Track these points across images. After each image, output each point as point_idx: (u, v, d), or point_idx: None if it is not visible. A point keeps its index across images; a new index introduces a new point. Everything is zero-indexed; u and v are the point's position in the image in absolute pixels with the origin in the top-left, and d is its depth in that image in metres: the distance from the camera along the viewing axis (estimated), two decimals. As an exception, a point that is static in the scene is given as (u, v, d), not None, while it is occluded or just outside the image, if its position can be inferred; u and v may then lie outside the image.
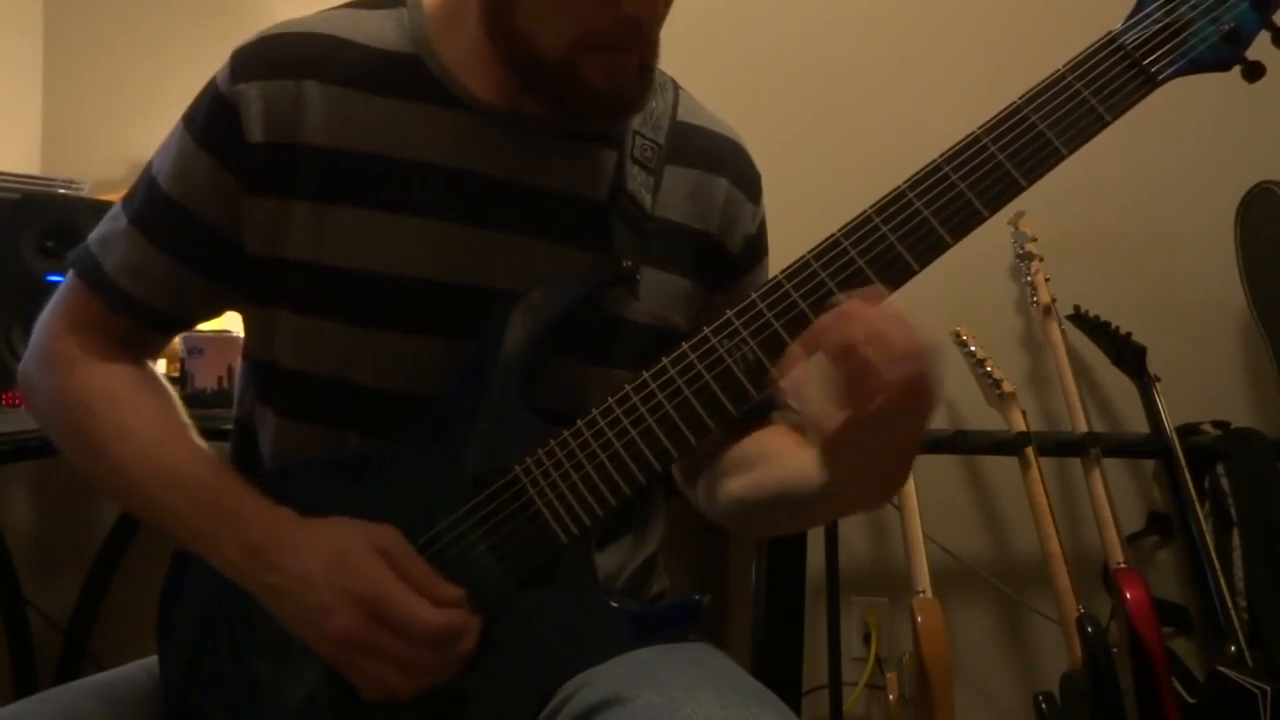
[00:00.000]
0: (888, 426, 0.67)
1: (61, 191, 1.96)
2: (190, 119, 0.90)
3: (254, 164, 0.87)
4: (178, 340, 1.79)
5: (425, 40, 0.89)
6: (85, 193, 1.97)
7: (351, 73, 0.87)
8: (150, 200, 0.91)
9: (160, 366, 1.86)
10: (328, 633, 0.76)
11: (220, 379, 1.76)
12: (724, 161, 0.97)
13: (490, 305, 0.86)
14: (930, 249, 0.74)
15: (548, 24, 0.81)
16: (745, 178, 0.99)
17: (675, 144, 0.94)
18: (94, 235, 0.94)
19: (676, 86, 0.98)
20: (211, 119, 0.88)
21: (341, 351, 0.87)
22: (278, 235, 0.87)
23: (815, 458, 0.73)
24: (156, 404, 0.91)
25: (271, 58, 0.88)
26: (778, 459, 0.87)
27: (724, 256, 0.97)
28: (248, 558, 0.80)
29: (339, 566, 0.77)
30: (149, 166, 0.93)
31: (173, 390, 0.96)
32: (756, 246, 1.00)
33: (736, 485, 0.91)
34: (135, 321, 0.92)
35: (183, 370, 1.78)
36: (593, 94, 0.83)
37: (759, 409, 0.96)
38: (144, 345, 0.96)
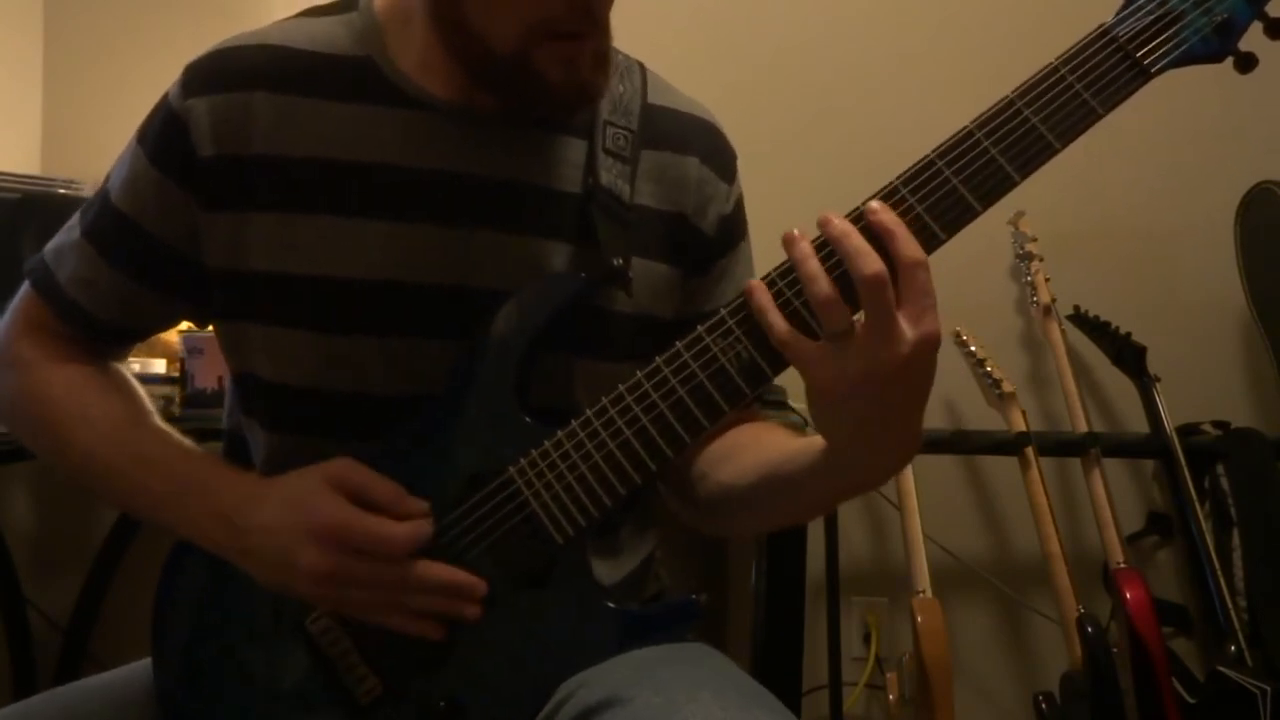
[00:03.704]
0: (890, 382, 0.67)
1: (61, 191, 1.96)
2: (143, 134, 0.90)
3: (207, 179, 0.86)
4: (178, 340, 1.79)
5: (377, 42, 0.89)
6: (85, 193, 1.96)
7: (301, 80, 0.87)
8: (102, 214, 0.91)
9: (160, 366, 1.86)
10: (299, 574, 0.77)
11: (220, 379, 1.75)
12: (693, 141, 0.96)
13: (464, 303, 0.86)
14: (924, 244, 0.73)
15: (497, 16, 0.80)
16: (717, 156, 0.97)
17: (647, 128, 0.93)
18: (50, 245, 0.95)
19: (644, 69, 0.97)
20: (162, 134, 0.88)
21: (316, 360, 0.87)
22: (239, 248, 0.87)
23: (810, 429, 0.74)
24: (117, 395, 0.93)
25: (221, 71, 0.87)
26: (769, 443, 0.86)
27: (699, 239, 0.95)
28: (220, 527, 0.82)
29: (296, 510, 0.78)
30: (106, 179, 0.93)
31: (136, 382, 0.96)
32: (733, 227, 0.98)
33: (724, 475, 0.89)
34: (87, 332, 0.93)
35: (183, 370, 1.77)
36: (549, 85, 0.82)
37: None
38: (101, 353, 0.96)
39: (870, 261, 0.66)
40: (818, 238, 0.71)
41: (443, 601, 0.78)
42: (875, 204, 0.70)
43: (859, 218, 0.70)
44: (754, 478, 0.85)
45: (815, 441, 0.77)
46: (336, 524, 0.77)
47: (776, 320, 0.70)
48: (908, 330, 0.66)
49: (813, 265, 0.68)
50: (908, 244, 0.68)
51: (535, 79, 0.82)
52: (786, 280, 0.73)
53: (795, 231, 0.71)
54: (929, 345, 0.67)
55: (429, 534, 0.78)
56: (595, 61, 0.84)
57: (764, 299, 0.71)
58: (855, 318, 0.68)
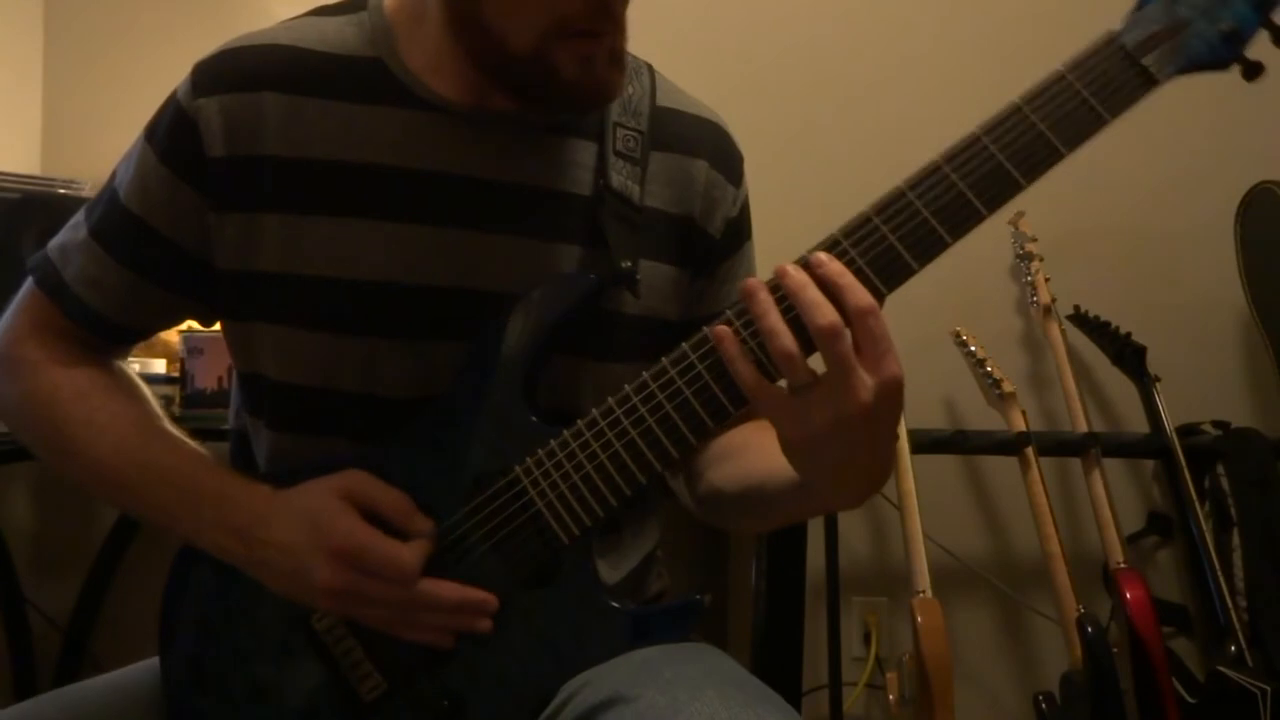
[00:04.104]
0: (855, 426, 0.68)
1: (61, 191, 1.96)
2: (152, 132, 0.90)
3: (217, 179, 0.86)
4: (178, 340, 1.79)
5: (387, 42, 0.88)
6: (85, 193, 1.96)
7: (312, 81, 0.87)
8: (110, 212, 0.91)
9: (160, 366, 1.86)
10: (315, 589, 0.78)
11: (220, 379, 1.75)
12: (702, 144, 0.96)
13: (472, 306, 0.86)
14: (929, 249, 0.73)
15: (515, 15, 0.79)
16: (725, 159, 0.97)
17: (655, 130, 0.93)
18: (54, 243, 0.94)
19: (652, 70, 0.97)
20: (172, 133, 0.88)
21: (324, 361, 0.87)
22: (249, 249, 0.87)
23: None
24: (124, 399, 0.92)
25: (231, 71, 0.87)
26: (758, 451, 0.86)
27: (706, 241, 0.95)
28: (235, 540, 0.82)
29: (313, 528, 0.79)
30: (112, 177, 0.93)
31: (143, 385, 0.96)
32: (739, 230, 0.99)
33: (715, 477, 0.91)
34: (93, 331, 0.93)
35: (183, 370, 1.77)
36: (566, 85, 0.82)
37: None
38: (106, 352, 0.96)
39: (824, 313, 0.67)
40: (771, 280, 0.71)
41: (455, 619, 0.79)
42: (822, 255, 0.71)
43: (805, 265, 0.71)
44: (738, 487, 0.87)
45: (782, 466, 0.78)
46: (351, 545, 0.77)
47: (745, 369, 0.71)
48: (868, 378, 0.67)
49: (774, 319, 0.69)
50: (856, 293, 0.68)
51: (552, 78, 0.81)
52: (749, 330, 0.73)
53: (754, 281, 0.71)
54: (891, 389, 0.68)
55: (431, 553, 0.79)
56: (611, 60, 0.84)
57: (732, 348, 0.72)
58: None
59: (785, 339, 0.68)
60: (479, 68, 0.84)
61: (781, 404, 0.70)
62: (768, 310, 0.69)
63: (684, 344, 0.77)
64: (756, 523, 0.96)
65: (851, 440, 0.69)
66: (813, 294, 0.68)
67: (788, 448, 0.73)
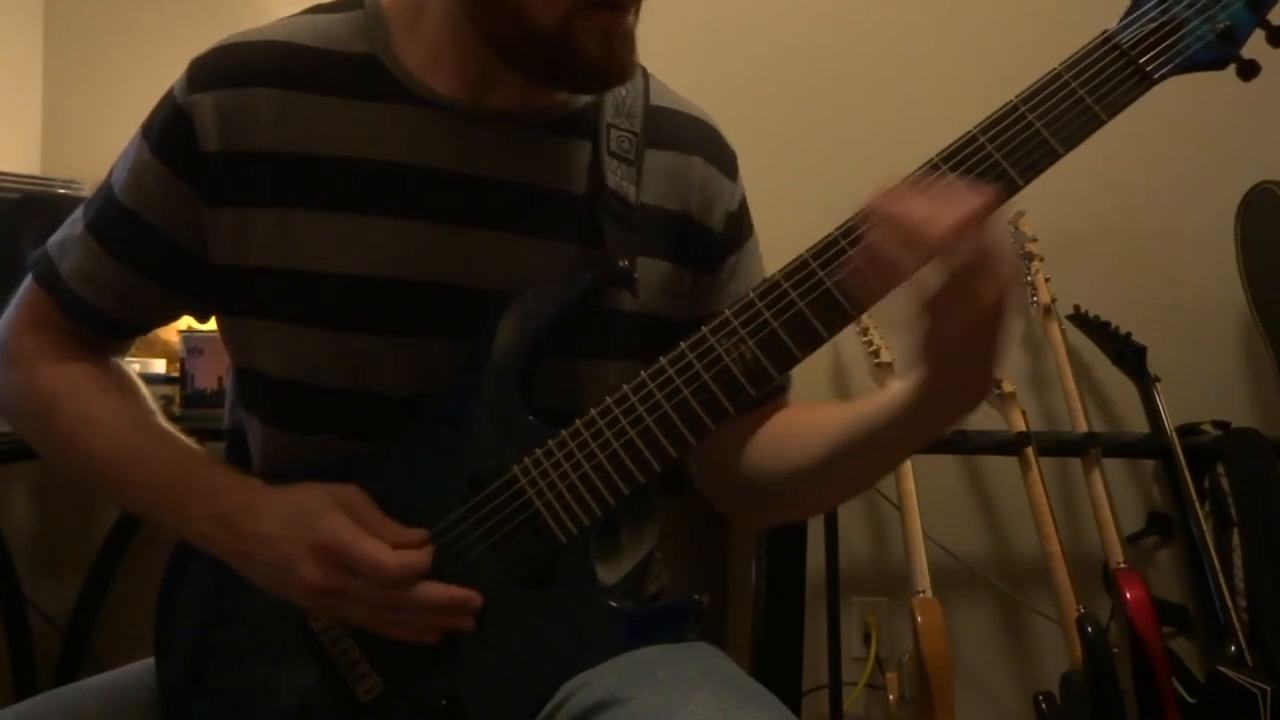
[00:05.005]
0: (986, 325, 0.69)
1: (61, 191, 1.96)
2: (148, 128, 0.90)
3: (211, 174, 0.87)
4: (178, 340, 1.79)
5: (382, 39, 0.89)
6: (85, 193, 1.96)
7: (307, 77, 0.87)
8: (106, 208, 0.91)
9: (160, 366, 1.86)
10: (297, 584, 0.78)
11: (220, 379, 1.76)
12: (696, 140, 0.96)
13: (467, 304, 0.86)
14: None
15: None
16: (719, 155, 0.97)
17: (650, 129, 0.93)
18: (54, 238, 0.94)
19: (645, 71, 0.97)
20: (167, 129, 0.88)
21: (317, 357, 0.87)
22: (242, 244, 0.87)
23: (898, 386, 0.76)
24: (120, 395, 0.93)
25: (226, 67, 0.87)
26: (828, 416, 0.86)
27: (706, 236, 0.95)
28: (219, 529, 0.83)
29: (300, 523, 0.79)
30: (110, 173, 0.93)
31: (139, 381, 0.97)
32: (740, 224, 0.98)
33: (789, 459, 0.89)
34: (89, 326, 0.93)
35: (183, 370, 1.77)
36: (586, 63, 0.81)
37: (772, 393, 0.93)
38: (103, 348, 0.96)
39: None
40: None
41: (438, 619, 0.79)
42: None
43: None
44: (828, 450, 0.85)
45: (887, 396, 0.79)
46: (337, 543, 0.77)
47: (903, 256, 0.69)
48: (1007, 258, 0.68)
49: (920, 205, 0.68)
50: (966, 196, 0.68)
51: (573, 55, 0.81)
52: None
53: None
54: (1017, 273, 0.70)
55: (426, 565, 0.79)
56: (625, 42, 0.83)
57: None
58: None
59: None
60: (495, 49, 0.84)
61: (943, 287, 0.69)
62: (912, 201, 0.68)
63: (682, 344, 0.77)
64: (845, 485, 0.92)
65: (990, 325, 0.70)
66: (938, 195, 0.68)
67: (930, 345, 0.73)
